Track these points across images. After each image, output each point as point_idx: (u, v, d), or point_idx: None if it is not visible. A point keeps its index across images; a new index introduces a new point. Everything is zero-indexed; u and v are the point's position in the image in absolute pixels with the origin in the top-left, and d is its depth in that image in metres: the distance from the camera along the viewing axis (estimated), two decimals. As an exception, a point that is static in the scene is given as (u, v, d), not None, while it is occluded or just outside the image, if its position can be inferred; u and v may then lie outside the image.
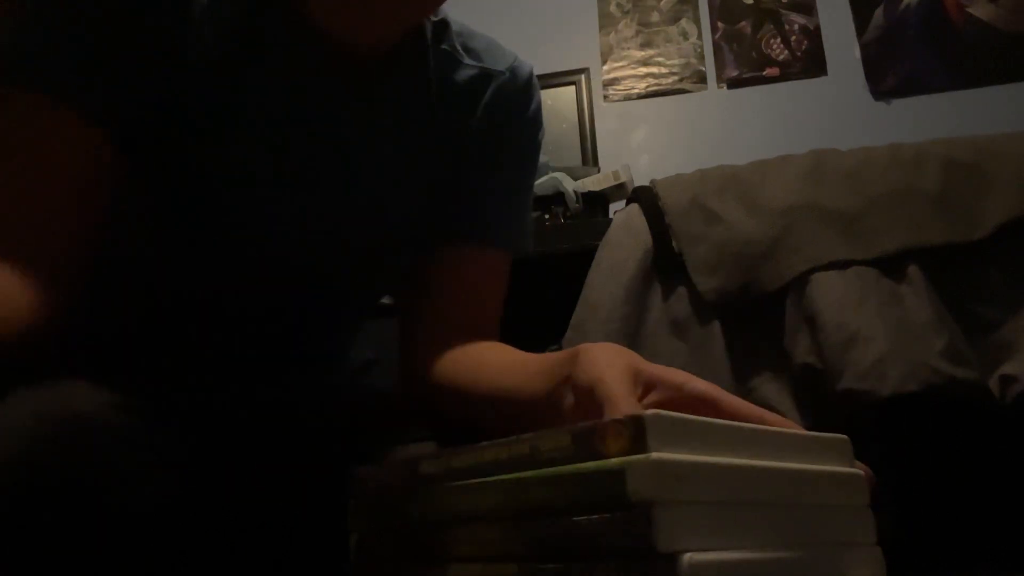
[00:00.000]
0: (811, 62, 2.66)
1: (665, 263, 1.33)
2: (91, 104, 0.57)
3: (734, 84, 2.70)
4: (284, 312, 0.72)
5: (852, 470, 0.43)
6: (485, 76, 0.76)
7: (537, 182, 2.25)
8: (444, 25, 0.75)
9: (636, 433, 0.32)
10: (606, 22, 2.85)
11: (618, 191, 2.17)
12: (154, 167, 0.62)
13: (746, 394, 1.25)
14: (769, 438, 0.39)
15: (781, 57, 2.69)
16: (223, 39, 0.62)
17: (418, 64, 0.72)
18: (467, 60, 0.75)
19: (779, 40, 2.70)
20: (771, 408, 1.24)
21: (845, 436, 0.44)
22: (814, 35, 2.68)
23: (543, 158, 2.32)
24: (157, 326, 0.68)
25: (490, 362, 0.68)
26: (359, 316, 0.84)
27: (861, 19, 2.64)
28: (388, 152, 0.71)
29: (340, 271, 0.72)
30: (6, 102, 0.56)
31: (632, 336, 1.29)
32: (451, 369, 0.69)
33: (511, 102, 0.77)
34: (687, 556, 0.31)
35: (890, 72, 2.57)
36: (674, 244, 1.33)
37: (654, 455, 0.32)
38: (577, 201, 2.09)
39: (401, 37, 0.70)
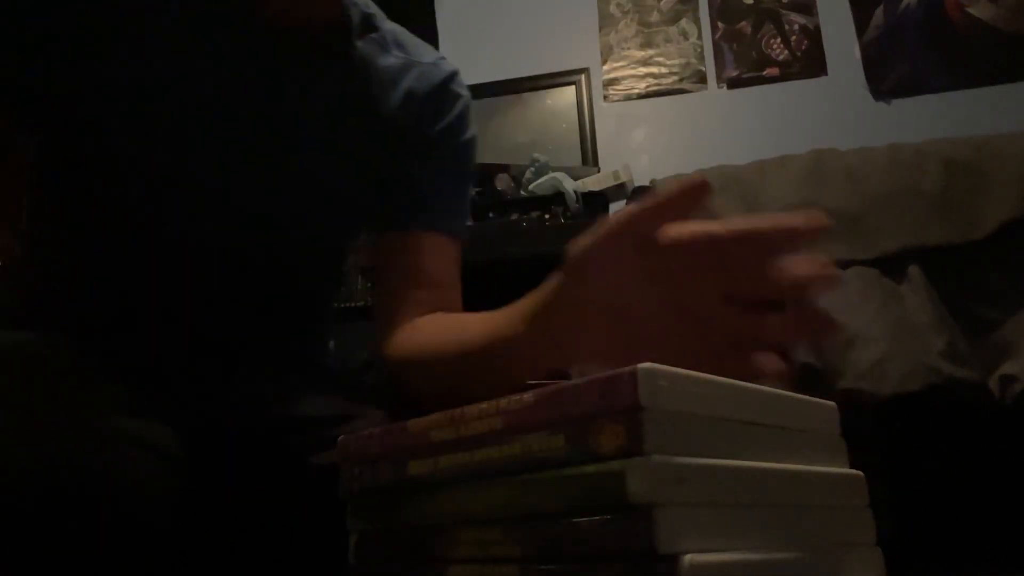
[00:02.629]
0: (811, 62, 2.66)
1: (665, 263, 1.33)
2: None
3: (734, 84, 2.70)
4: (240, 297, 0.73)
5: (851, 471, 0.43)
6: (408, 65, 0.80)
7: (537, 182, 2.26)
8: (373, 18, 0.80)
9: (631, 431, 0.32)
10: (606, 22, 2.86)
11: (618, 191, 2.17)
12: (76, 152, 0.65)
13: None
14: (767, 434, 0.39)
15: (781, 57, 2.69)
16: (143, 18, 0.65)
17: (344, 49, 0.76)
18: (393, 51, 0.80)
19: (779, 40, 2.70)
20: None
21: (839, 436, 0.44)
22: (814, 35, 2.68)
23: (543, 158, 2.32)
24: (122, 323, 0.70)
25: (459, 319, 0.71)
26: (319, 303, 0.86)
27: (861, 19, 2.64)
28: (315, 129, 0.74)
29: (282, 250, 0.74)
30: None
31: (632, 336, 1.29)
32: (415, 336, 0.71)
33: (435, 92, 0.81)
34: (688, 557, 0.31)
35: (890, 72, 2.57)
36: (674, 244, 1.33)
37: (654, 457, 0.31)
38: (577, 201, 2.09)
39: (325, 21, 0.74)
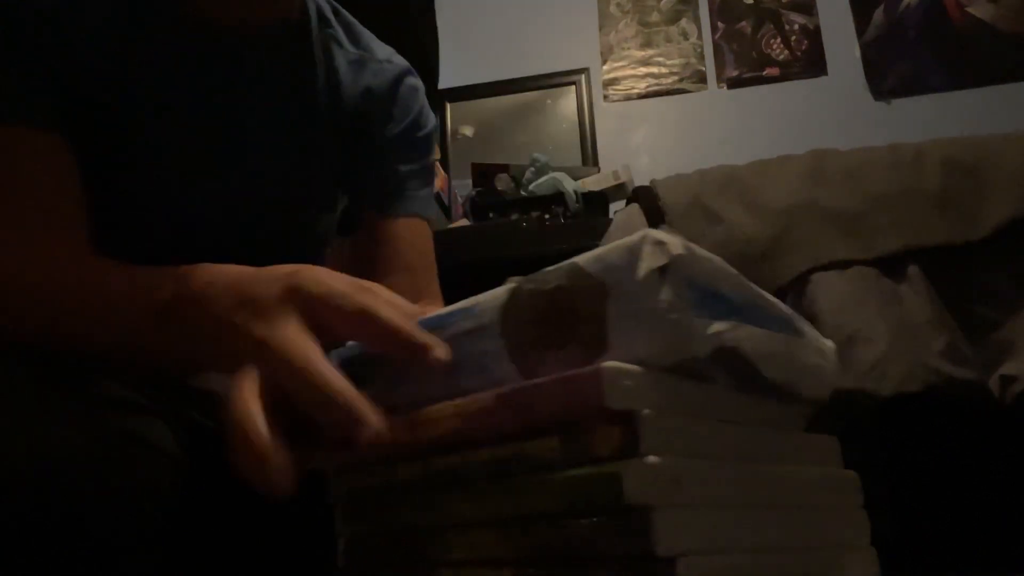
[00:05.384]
0: (811, 62, 2.66)
1: (665, 263, 1.33)
2: (51, 121, 0.62)
3: (734, 84, 2.70)
4: None
5: (847, 472, 0.43)
6: (363, 61, 0.83)
7: (537, 182, 2.26)
8: (325, 9, 0.82)
9: (627, 432, 0.32)
10: (606, 22, 2.85)
11: (618, 191, 2.17)
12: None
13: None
14: (763, 435, 0.39)
15: (781, 57, 2.69)
16: (112, 33, 0.67)
17: (302, 43, 0.78)
18: (348, 46, 0.82)
19: (779, 40, 2.70)
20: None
21: (834, 437, 0.44)
22: (814, 35, 2.68)
23: (543, 158, 2.32)
24: None
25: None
26: None
27: (861, 19, 2.64)
28: (276, 124, 0.76)
29: (263, 242, 0.77)
30: None
31: (632, 336, 1.29)
32: None
33: (393, 90, 0.84)
34: (685, 560, 0.30)
35: (890, 72, 2.57)
36: (674, 244, 1.33)
37: (651, 458, 0.31)
38: (577, 201, 2.08)
39: (284, 17, 0.76)
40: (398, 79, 0.85)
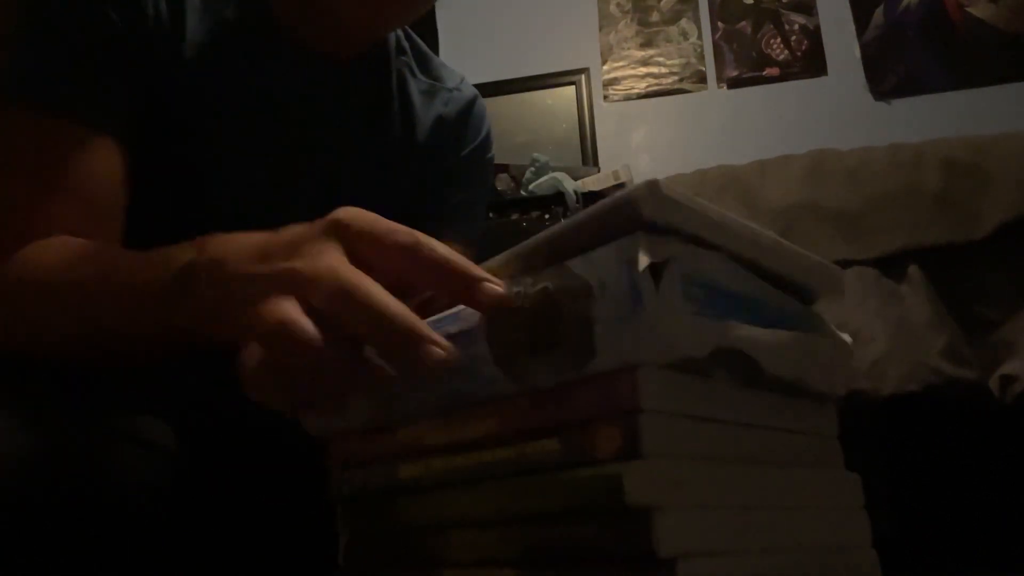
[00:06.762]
0: (811, 62, 2.66)
1: (665, 263, 1.33)
2: (98, 116, 0.62)
3: (734, 84, 2.70)
4: None
5: (848, 472, 0.43)
6: (434, 90, 0.84)
7: (537, 182, 2.26)
8: (404, 40, 0.83)
9: (629, 433, 0.31)
10: (606, 22, 2.86)
11: (618, 191, 2.17)
12: (142, 162, 0.66)
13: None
14: (766, 435, 0.39)
15: (781, 57, 2.69)
16: (205, 41, 0.68)
17: (381, 73, 0.79)
18: (420, 75, 0.83)
19: (779, 40, 2.70)
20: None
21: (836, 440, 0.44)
22: (814, 35, 2.68)
23: (543, 158, 2.32)
24: None
25: None
26: None
27: (861, 19, 2.64)
28: (351, 152, 0.76)
29: None
30: (19, 121, 0.60)
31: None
32: None
33: (462, 119, 0.85)
34: (686, 561, 0.30)
35: (890, 72, 2.57)
36: (674, 244, 1.33)
37: (652, 460, 0.31)
38: (577, 201, 2.09)
39: (367, 46, 0.77)
40: (469, 105, 0.85)
